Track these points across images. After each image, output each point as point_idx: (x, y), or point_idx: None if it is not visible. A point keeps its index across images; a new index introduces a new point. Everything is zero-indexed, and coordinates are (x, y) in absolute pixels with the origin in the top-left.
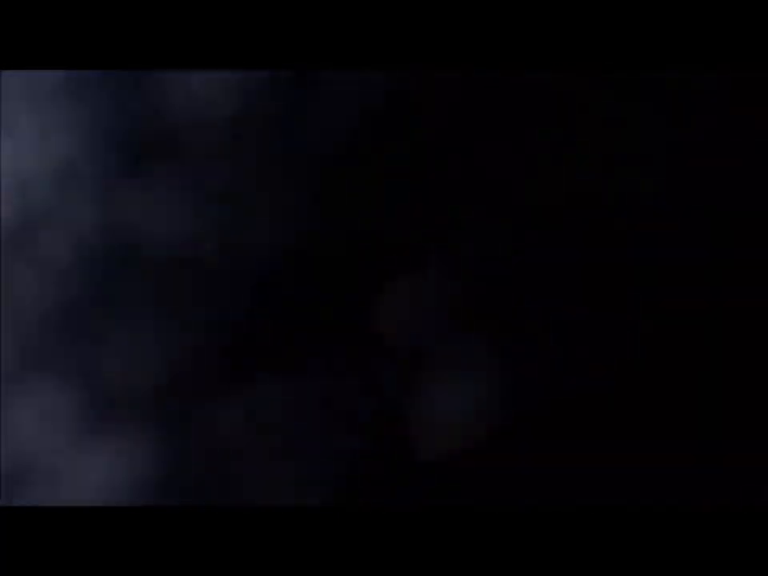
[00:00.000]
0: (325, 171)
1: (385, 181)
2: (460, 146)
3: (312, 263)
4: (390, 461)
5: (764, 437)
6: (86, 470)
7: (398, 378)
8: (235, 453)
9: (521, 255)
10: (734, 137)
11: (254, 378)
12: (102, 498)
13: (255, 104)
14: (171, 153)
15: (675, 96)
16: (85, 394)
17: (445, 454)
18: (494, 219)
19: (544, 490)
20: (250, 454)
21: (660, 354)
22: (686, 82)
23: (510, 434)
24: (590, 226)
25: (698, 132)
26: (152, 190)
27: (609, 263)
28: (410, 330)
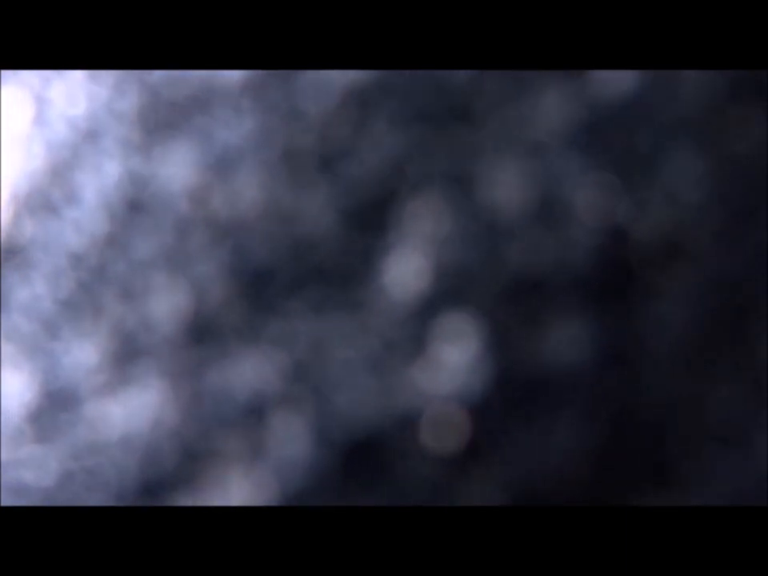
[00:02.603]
0: (333, 122)
1: (390, 140)
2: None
3: (322, 213)
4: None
5: None
6: (111, 411)
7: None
8: (256, 399)
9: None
10: None
11: (268, 325)
12: (124, 440)
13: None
14: (193, 113)
15: None
16: (110, 339)
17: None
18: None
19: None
20: (270, 401)
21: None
22: None
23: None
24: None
25: None
26: (170, 143)
27: None
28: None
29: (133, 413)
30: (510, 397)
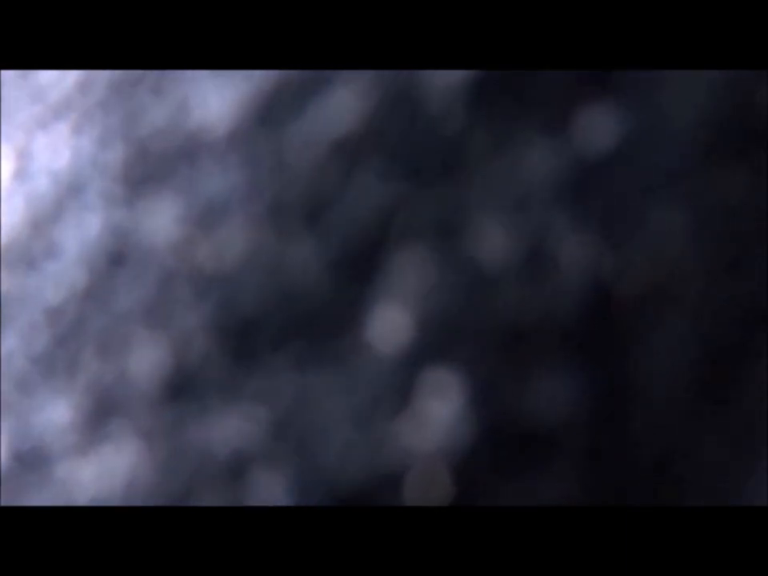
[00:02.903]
0: (320, 173)
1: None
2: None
3: (307, 266)
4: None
5: None
6: (84, 472)
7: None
8: (234, 454)
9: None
10: None
11: (251, 380)
12: (97, 500)
13: (255, 109)
14: (177, 165)
15: None
16: (84, 396)
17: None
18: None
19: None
20: (247, 455)
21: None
22: None
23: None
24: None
25: None
26: (154, 195)
27: None
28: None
29: (106, 474)
30: (497, 451)
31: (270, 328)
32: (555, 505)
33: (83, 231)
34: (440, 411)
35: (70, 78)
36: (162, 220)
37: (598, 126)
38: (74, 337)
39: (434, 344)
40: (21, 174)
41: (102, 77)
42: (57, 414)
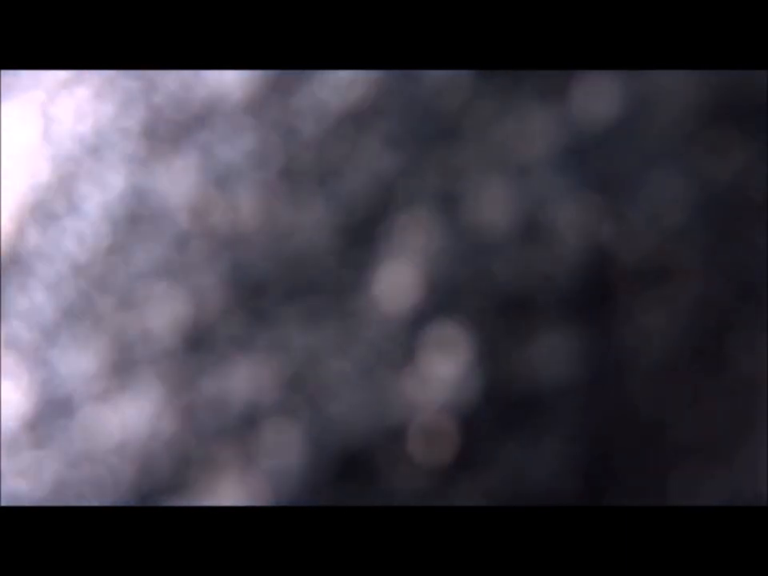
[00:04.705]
0: (328, 140)
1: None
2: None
3: (316, 228)
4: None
5: None
6: (108, 418)
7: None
8: (253, 410)
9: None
10: None
11: (263, 334)
12: (122, 446)
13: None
14: (194, 130)
15: None
16: (109, 348)
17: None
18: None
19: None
20: (265, 412)
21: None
22: None
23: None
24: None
25: None
26: (175, 162)
27: None
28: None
29: (129, 421)
30: (499, 408)
31: (281, 286)
32: (555, 505)
33: (105, 191)
34: (444, 369)
35: None
36: (179, 182)
37: (599, 94)
38: (97, 291)
39: (439, 305)
40: (46, 136)
41: None
42: (82, 364)
